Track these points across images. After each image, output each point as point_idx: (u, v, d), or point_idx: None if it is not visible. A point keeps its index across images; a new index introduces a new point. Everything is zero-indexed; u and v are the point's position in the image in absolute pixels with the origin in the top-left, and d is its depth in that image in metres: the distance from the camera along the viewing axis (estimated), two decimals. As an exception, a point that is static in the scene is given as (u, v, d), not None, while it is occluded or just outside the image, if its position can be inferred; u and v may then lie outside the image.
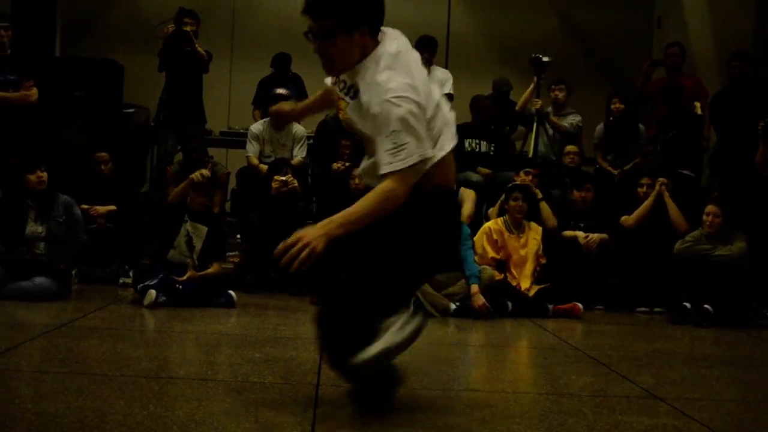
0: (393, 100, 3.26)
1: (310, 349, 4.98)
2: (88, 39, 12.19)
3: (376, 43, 3.43)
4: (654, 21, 12.76)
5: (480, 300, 6.89)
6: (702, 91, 9.46)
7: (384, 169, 3.27)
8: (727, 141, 8.80)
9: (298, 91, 10.04)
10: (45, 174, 7.01)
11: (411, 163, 3.26)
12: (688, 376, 5.00)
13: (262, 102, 9.79)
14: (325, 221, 3.24)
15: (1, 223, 6.97)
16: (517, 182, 8.03)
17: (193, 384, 4.07)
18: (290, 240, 3.17)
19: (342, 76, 3.52)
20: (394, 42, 3.44)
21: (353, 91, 3.46)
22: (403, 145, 3.25)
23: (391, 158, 3.26)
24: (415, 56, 3.53)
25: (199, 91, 9.47)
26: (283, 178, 7.98)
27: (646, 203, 8.07)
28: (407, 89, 3.30)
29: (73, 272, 7.17)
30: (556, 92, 9.66)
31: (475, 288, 6.93)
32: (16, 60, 7.60)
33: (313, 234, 3.18)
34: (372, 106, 3.32)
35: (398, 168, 3.25)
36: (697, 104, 9.23)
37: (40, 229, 6.99)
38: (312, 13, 3.35)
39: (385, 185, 3.27)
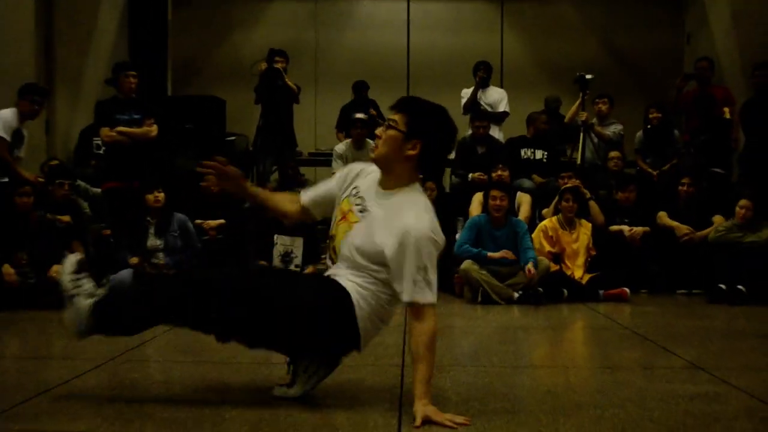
0: (432, 237, 3.08)
1: (394, 334, 5.03)
2: (194, 79, 12.44)
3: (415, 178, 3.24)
4: (684, 38, 12.57)
5: (532, 270, 6.89)
6: (730, 98, 9.29)
7: (413, 298, 3.05)
8: (755, 142, 8.65)
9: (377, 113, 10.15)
10: (162, 194, 7.19)
11: (433, 300, 3.08)
12: (726, 349, 4.93)
13: (345, 125, 9.90)
14: (423, 404, 3.02)
15: (129, 237, 7.18)
16: (569, 185, 7.99)
17: (297, 368, 4.14)
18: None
19: (361, 193, 3.28)
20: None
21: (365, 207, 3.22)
22: (431, 280, 3.07)
23: (419, 290, 3.04)
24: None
25: (290, 119, 9.60)
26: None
27: (676, 227, 7.93)
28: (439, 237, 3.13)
29: (191, 277, 7.30)
30: (600, 105, 9.58)
31: (529, 264, 6.94)
32: (140, 101, 7.80)
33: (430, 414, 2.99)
34: (405, 228, 3.05)
35: (429, 301, 3.06)
36: (726, 110, 9.06)
37: (158, 242, 7.16)
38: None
39: (428, 327, 3.06)
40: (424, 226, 3.07)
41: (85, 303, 3.26)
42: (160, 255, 7.13)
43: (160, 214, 7.20)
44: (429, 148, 3.17)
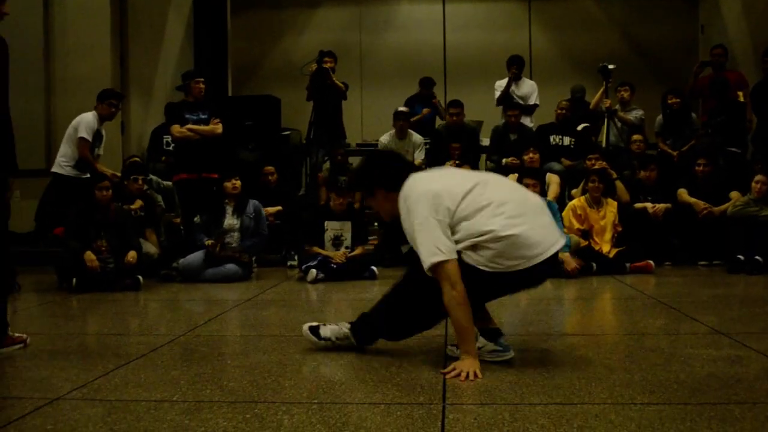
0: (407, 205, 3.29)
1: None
2: (252, 80, 12.53)
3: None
4: (698, 28, 12.32)
5: (572, 264, 6.79)
6: (743, 82, 9.10)
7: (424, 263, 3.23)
8: (766, 122, 8.45)
9: (435, 109, 10.05)
10: (239, 182, 7.22)
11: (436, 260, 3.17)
12: (745, 315, 4.82)
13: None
14: (464, 354, 3.22)
15: (206, 221, 7.21)
16: (596, 167, 7.87)
17: (350, 339, 4.13)
18: (454, 373, 3.17)
19: None
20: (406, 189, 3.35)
21: None
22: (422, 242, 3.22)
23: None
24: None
25: (339, 114, 9.58)
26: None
27: (695, 203, 7.72)
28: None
29: (253, 258, 7.35)
30: (622, 92, 9.43)
31: (566, 255, 6.83)
32: (206, 103, 7.86)
33: (468, 365, 3.18)
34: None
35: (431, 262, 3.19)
36: (740, 93, 8.86)
37: (235, 222, 7.19)
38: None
39: (444, 287, 3.19)
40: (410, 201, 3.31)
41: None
42: (235, 235, 7.13)
43: (237, 198, 7.22)
44: (382, 184, 3.47)
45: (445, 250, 3.16)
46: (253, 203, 7.31)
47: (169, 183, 8.25)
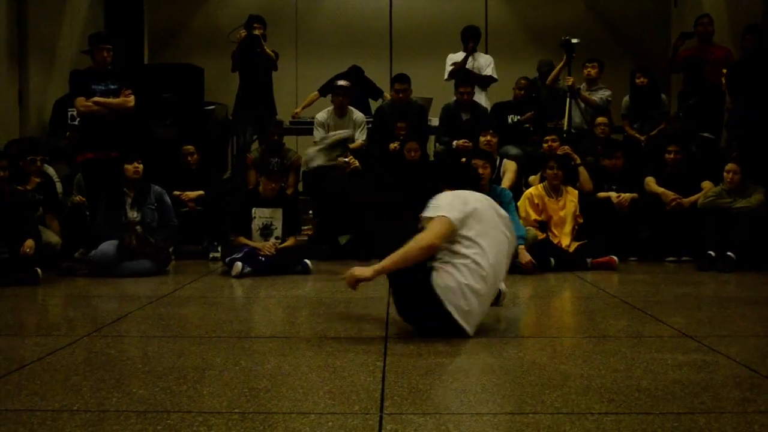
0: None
1: (378, 307, 5.02)
2: (171, 47, 12.34)
3: None
4: (671, 1, 12.52)
5: (526, 257, 6.87)
6: (731, 59, 9.20)
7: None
8: (742, 106, 8.61)
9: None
10: (141, 165, 7.13)
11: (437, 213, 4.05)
12: (715, 316, 4.94)
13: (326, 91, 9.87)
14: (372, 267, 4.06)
15: (104, 210, 7.09)
16: (558, 152, 7.96)
17: (278, 341, 4.13)
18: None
19: None
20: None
21: None
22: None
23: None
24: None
25: (270, 86, 9.50)
26: (345, 160, 7.99)
27: (662, 193, 7.89)
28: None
29: (170, 250, 7.28)
30: (589, 69, 9.50)
31: (521, 247, 6.91)
32: (116, 71, 7.71)
33: (360, 271, 4.07)
34: None
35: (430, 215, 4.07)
36: (725, 71, 8.98)
37: (135, 215, 7.10)
38: None
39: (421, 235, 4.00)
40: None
41: None
42: (138, 229, 7.04)
43: (138, 185, 7.13)
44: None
45: (447, 212, 4.05)
46: (154, 191, 7.24)
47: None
